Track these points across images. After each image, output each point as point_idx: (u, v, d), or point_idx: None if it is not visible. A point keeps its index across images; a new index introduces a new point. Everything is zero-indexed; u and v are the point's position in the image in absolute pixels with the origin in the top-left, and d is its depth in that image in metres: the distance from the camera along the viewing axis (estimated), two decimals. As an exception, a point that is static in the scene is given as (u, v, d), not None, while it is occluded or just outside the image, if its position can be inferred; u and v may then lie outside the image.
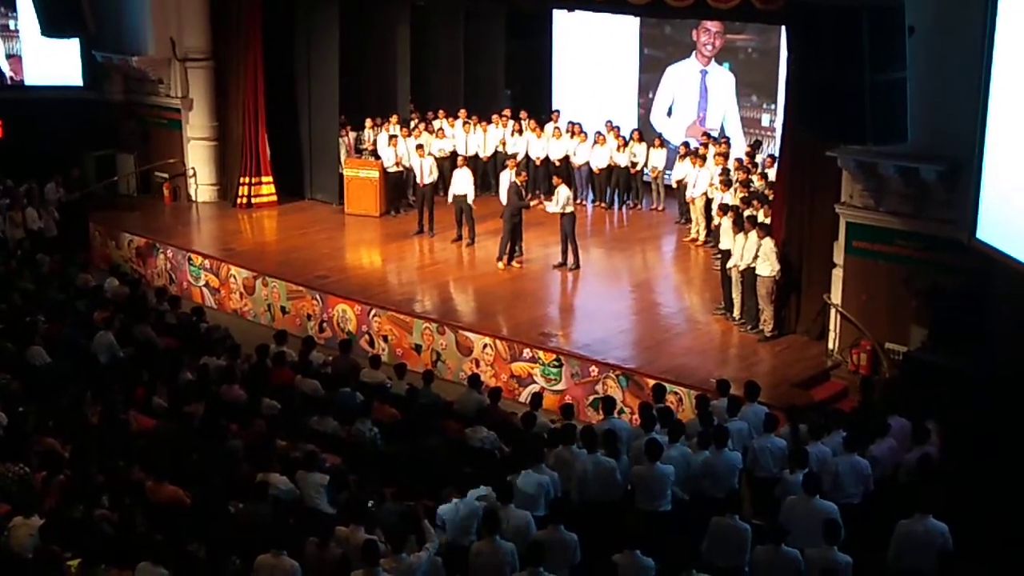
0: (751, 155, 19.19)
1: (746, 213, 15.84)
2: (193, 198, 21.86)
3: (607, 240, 19.85)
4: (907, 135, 11.17)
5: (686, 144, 20.40)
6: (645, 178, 21.12)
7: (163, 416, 12.29)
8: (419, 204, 19.96)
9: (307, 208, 21.60)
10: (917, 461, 10.33)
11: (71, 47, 21.51)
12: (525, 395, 14.57)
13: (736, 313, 15.66)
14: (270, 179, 21.56)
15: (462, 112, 21.87)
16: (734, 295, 15.66)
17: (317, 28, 21.00)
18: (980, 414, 11.24)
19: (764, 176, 17.78)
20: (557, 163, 21.19)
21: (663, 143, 21.26)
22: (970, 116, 11.96)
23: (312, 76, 21.27)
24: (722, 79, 21.78)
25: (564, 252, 17.68)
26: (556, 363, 14.84)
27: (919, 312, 13.65)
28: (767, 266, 14.93)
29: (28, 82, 22.11)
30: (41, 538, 9.46)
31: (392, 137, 20.65)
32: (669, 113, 22.66)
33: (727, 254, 15.75)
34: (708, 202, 18.55)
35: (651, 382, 13.69)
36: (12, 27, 21.87)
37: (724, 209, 16.51)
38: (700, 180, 18.86)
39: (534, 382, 14.93)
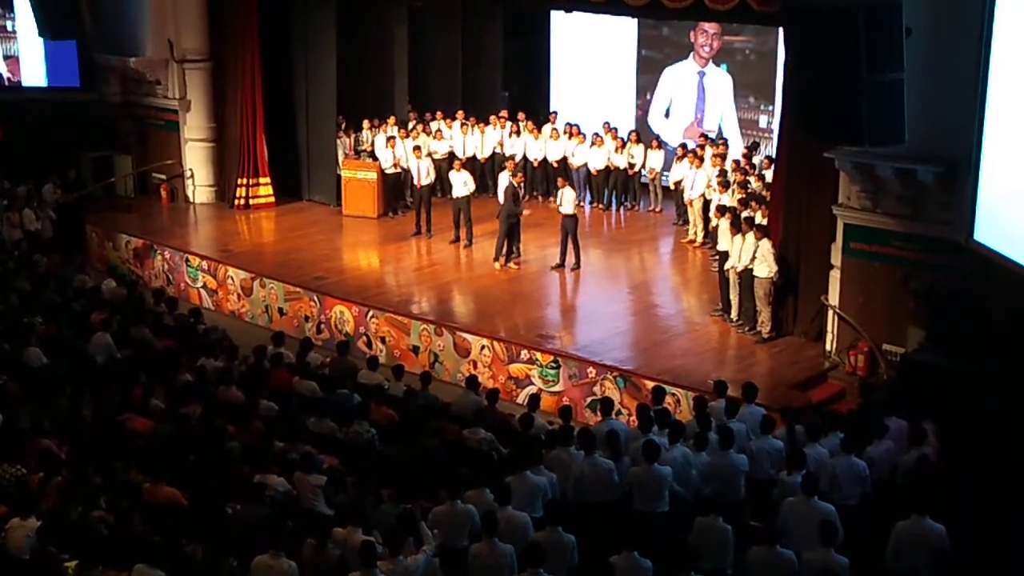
0: (749, 156, 19.21)
1: (744, 214, 15.85)
2: (191, 199, 21.87)
3: (605, 241, 19.85)
4: (904, 136, 11.18)
5: (684, 145, 20.40)
6: (643, 179, 21.13)
7: (160, 417, 12.28)
8: (416, 205, 19.97)
9: (305, 209, 21.61)
10: (915, 462, 10.34)
11: (68, 48, 21.49)
12: (523, 397, 14.57)
13: (734, 314, 15.68)
14: (268, 180, 21.57)
15: (460, 113, 21.87)
16: (732, 296, 15.67)
17: (314, 29, 21.00)
18: (978, 416, 11.24)
19: (762, 177, 17.79)
20: (555, 164, 21.23)
21: (661, 144, 21.28)
22: (968, 117, 11.97)
23: (310, 77, 21.28)
24: (720, 80, 21.79)
25: (563, 253, 17.69)
26: (554, 365, 14.85)
27: (917, 314, 13.66)
28: (764, 267, 14.95)
29: (25, 83, 22.11)
30: (38, 539, 9.46)
31: (390, 138, 20.67)
32: (667, 114, 22.68)
33: (725, 255, 15.76)
34: (706, 203, 18.55)
35: (649, 383, 13.73)
36: (10, 28, 21.89)
37: (722, 210, 16.52)
38: (698, 181, 18.87)
39: (532, 383, 14.93)
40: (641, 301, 17.09)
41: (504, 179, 18.46)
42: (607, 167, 20.99)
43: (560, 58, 24.00)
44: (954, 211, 12.88)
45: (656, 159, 20.96)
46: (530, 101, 23.68)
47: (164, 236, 20.18)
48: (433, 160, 20.30)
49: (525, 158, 21.21)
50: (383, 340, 16.46)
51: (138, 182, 22.38)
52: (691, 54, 22.11)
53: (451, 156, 20.82)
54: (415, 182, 19.96)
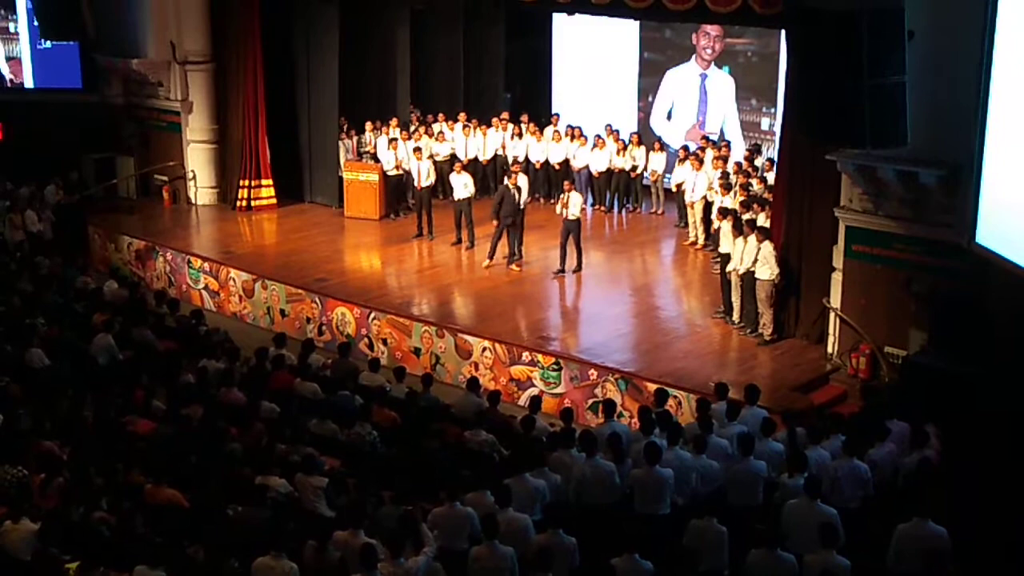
0: (750, 159, 19.22)
1: (745, 217, 15.85)
2: (193, 201, 21.89)
3: (606, 244, 19.85)
4: (907, 139, 11.21)
5: (685, 148, 20.40)
6: (644, 182, 21.14)
7: (162, 419, 12.30)
8: (418, 207, 19.98)
9: (307, 211, 21.61)
10: (916, 465, 10.33)
11: (71, 50, 21.51)
12: (524, 398, 14.58)
13: (735, 317, 15.67)
14: (270, 182, 21.59)
15: (462, 115, 21.89)
16: (733, 299, 15.67)
17: (317, 30, 21.02)
18: (980, 418, 11.24)
19: (763, 180, 17.80)
20: (557, 167, 21.25)
21: (663, 147, 21.27)
22: (970, 120, 11.95)
23: (312, 79, 21.29)
24: (722, 83, 21.80)
25: (563, 259, 17.65)
26: (555, 367, 14.84)
27: (918, 316, 13.66)
28: (766, 270, 14.95)
29: (28, 85, 22.13)
30: (40, 541, 9.47)
31: (392, 140, 20.67)
32: (669, 117, 22.68)
33: (726, 258, 15.76)
34: (707, 206, 18.55)
35: (651, 386, 13.72)
36: (12, 30, 21.91)
37: (723, 213, 16.51)
38: (699, 184, 18.87)
39: (533, 385, 14.93)
40: (643, 303, 17.08)
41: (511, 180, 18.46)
42: (609, 169, 20.99)
43: (562, 60, 24.02)
44: (956, 214, 12.87)
45: (658, 161, 20.97)
46: (532, 103, 23.70)
47: (166, 238, 20.19)
48: (435, 162, 20.30)
49: (527, 160, 21.19)
50: (385, 342, 16.46)
51: (140, 184, 22.40)
52: (693, 56, 22.11)
53: (453, 158, 20.82)
54: (416, 184, 19.96)
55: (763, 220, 15.72)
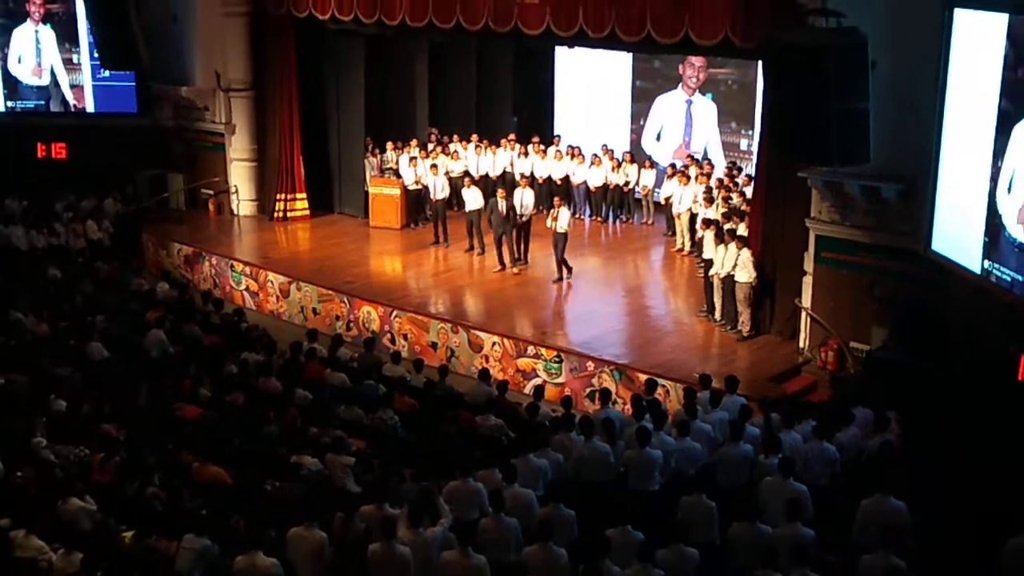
0: (731, 175, 19.18)
1: (726, 227, 15.83)
2: (235, 212, 21.89)
3: (602, 250, 19.84)
4: (870, 158, 11.18)
5: (673, 165, 20.38)
6: (636, 195, 21.11)
7: (208, 405, 12.31)
8: (434, 218, 19.98)
9: (336, 221, 21.61)
10: (879, 447, 10.31)
11: (127, 79, 21.55)
12: (529, 387, 14.57)
13: (717, 315, 15.66)
14: (303, 195, 21.58)
15: (474, 137, 21.88)
16: (716, 299, 15.66)
17: (345, 61, 21.04)
18: (934, 405, 11.22)
19: (742, 194, 17.76)
20: (558, 182, 21.23)
21: (652, 164, 21.25)
22: (926, 141, 11.97)
23: (341, 104, 21.30)
24: (705, 108, 21.77)
25: (560, 269, 17.53)
26: (557, 359, 14.83)
27: (880, 315, 13.65)
28: (745, 273, 14.94)
29: (89, 109, 22.17)
30: (99, 513, 9.49)
31: (412, 159, 20.69)
32: (658, 138, 22.65)
33: (709, 263, 15.75)
34: (692, 217, 18.52)
35: (642, 376, 13.70)
36: (75, 61, 21.93)
37: (707, 223, 16.50)
38: (685, 197, 18.86)
39: (537, 376, 14.93)
40: (635, 303, 17.07)
41: (519, 195, 18.41)
42: (605, 184, 20.97)
43: (563, 88, 23.99)
44: (913, 224, 12.86)
45: (648, 177, 20.97)
46: (537, 126, 23.65)
47: (211, 244, 20.21)
48: (449, 178, 20.30)
49: (533, 175, 21.19)
50: (405, 337, 16.46)
51: (188, 197, 22.40)
52: (680, 84, 22.08)
53: (465, 174, 20.83)
54: (432, 197, 19.96)
55: (742, 230, 15.69)
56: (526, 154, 21.55)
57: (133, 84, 21.81)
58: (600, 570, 7.91)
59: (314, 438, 11.25)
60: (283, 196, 21.43)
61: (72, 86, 22.08)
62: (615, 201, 21.12)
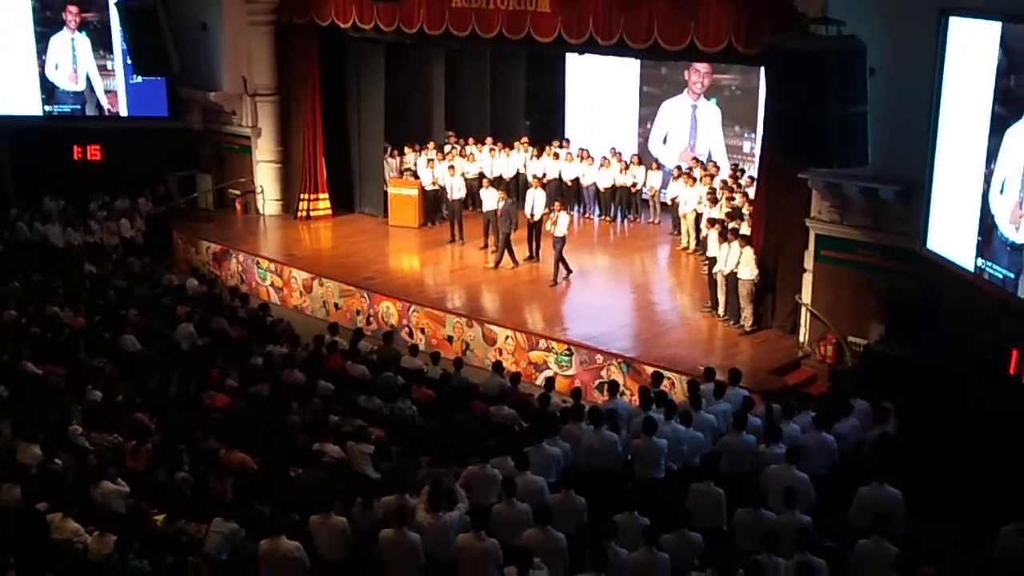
0: (734, 176, 19.15)
1: (730, 226, 15.81)
2: (261, 211, 21.93)
3: (611, 248, 19.81)
4: (868, 160, 11.13)
5: (679, 167, 20.32)
6: (644, 196, 21.06)
7: (234, 395, 12.35)
8: (451, 217, 19.98)
9: (357, 220, 21.63)
10: (877, 438, 10.28)
11: (158, 84, 21.62)
12: (541, 379, 14.56)
13: (721, 311, 15.63)
14: (326, 195, 21.61)
15: (489, 140, 21.87)
16: (719, 295, 15.63)
17: (366, 68, 21.04)
18: (928, 396, 11.18)
19: (745, 194, 17.73)
20: (569, 183, 21.21)
21: (659, 166, 21.23)
22: (922, 143, 11.92)
23: (361, 108, 21.30)
24: (710, 112, 21.72)
25: (556, 272, 17.34)
26: (567, 352, 14.83)
27: (877, 310, 13.60)
28: (747, 271, 14.92)
29: (123, 113, 22.24)
30: (131, 497, 9.54)
31: (429, 160, 20.70)
32: (664, 141, 22.60)
33: (713, 260, 15.71)
34: (697, 216, 18.49)
35: (648, 369, 13.69)
36: (109, 67, 21.99)
37: (711, 222, 16.46)
38: (691, 198, 18.82)
39: (548, 368, 14.92)
40: (642, 299, 17.04)
41: (531, 196, 18.40)
42: (613, 185, 20.94)
43: (574, 93, 23.94)
44: (910, 224, 12.81)
45: (655, 179, 20.93)
46: (548, 129, 23.64)
47: (238, 242, 20.25)
48: (465, 179, 20.30)
49: (544, 176, 21.18)
50: (422, 331, 16.48)
51: (217, 197, 22.45)
52: (685, 90, 22.02)
53: (480, 176, 20.84)
54: (449, 197, 19.97)
55: (745, 229, 15.67)
56: (539, 156, 21.54)
57: (164, 89, 21.87)
58: (606, 553, 7.92)
59: (335, 427, 11.27)
60: (306, 196, 21.46)
61: (106, 91, 22.14)
62: (623, 201, 21.08)
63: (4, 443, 10.84)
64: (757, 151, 18.20)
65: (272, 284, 19.08)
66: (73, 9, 21.61)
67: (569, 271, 17.48)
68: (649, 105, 22.74)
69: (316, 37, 20.57)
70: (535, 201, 18.18)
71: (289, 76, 21.26)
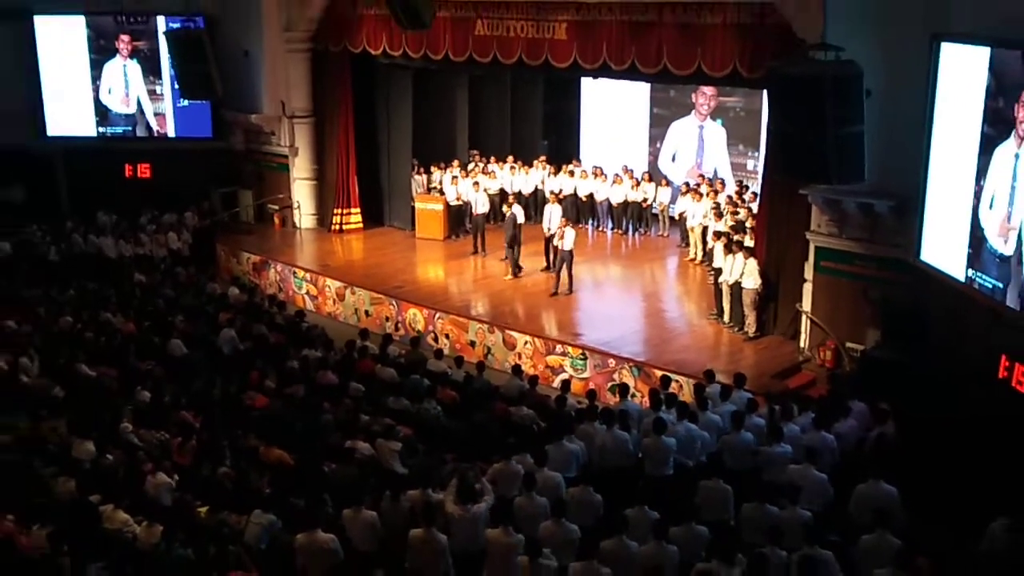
0: (739, 192, 19.08)
1: (735, 238, 15.77)
2: (297, 225, 22.01)
3: (623, 260, 19.77)
4: (864, 177, 11.05)
5: (687, 184, 20.29)
6: (654, 211, 21.02)
7: (272, 395, 12.38)
8: (474, 230, 19.99)
9: (386, 233, 21.67)
10: (876, 438, 10.20)
11: (204, 107, 21.76)
12: (557, 382, 14.53)
13: (726, 318, 15.57)
14: (358, 210, 21.68)
15: (510, 158, 21.90)
16: (724, 304, 15.57)
17: (395, 92, 21.10)
18: (922, 399, 11.10)
19: (749, 209, 17.67)
20: (584, 199, 21.20)
21: (668, 183, 21.19)
22: (915, 161, 11.85)
23: (391, 129, 21.37)
24: (716, 132, 21.66)
25: (558, 282, 17.18)
26: (582, 356, 14.80)
27: (873, 318, 13.52)
28: (751, 280, 14.86)
29: (170, 134, 22.40)
30: (177, 490, 9.57)
31: (453, 178, 20.74)
32: (673, 159, 22.56)
33: (719, 271, 15.66)
34: (704, 230, 18.44)
35: (658, 372, 13.65)
36: (158, 91, 22.15)
37: (717, 235, 16.42)
38: (697, 212, 18.77)
39: (564, 371, 14.89)
40: (652, 307, 17.00)
41: (549, 210, 18.38)
42: (625, 201, 20.90)
43: (588, 114, 23.95)
44: (904, 237, 12.73)
45: (665, 194, 20.89)
46: (565, 149, 23.67)
47: (276, 253, 20.33)
48: (488, 194, 20.32)
49: (561, 192, 21.17)
50: (447, 336, 16.48)
51: (257, 211, 22.56)
52: (693, 111, 21.98)
53: (502, 191, 20.85)
54: (473, 211, 19.99)
55: (749, 241, 15.63)
56: (556, 173, 21.54)
57: (209, 112, 22.01)
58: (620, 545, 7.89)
59: (366, 425, 11.29)
60: (339, 210, 21.53)
61: (155, 114, 22.32)
62: (634, 216, 21.04)
63: (60, 440, 10.92)
64: (760, 168, 18.10)
65: (307, 292, 19.13)
66: (125, 38, 21.81)
67: (569, 289, 17.20)
68: (659, 126, 22.71)
69: (349, 63, 20.66)
70: (552, 215, 18.15)
71: (324, 100, 21.35)
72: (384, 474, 10.14)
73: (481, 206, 19.73)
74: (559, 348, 15.06)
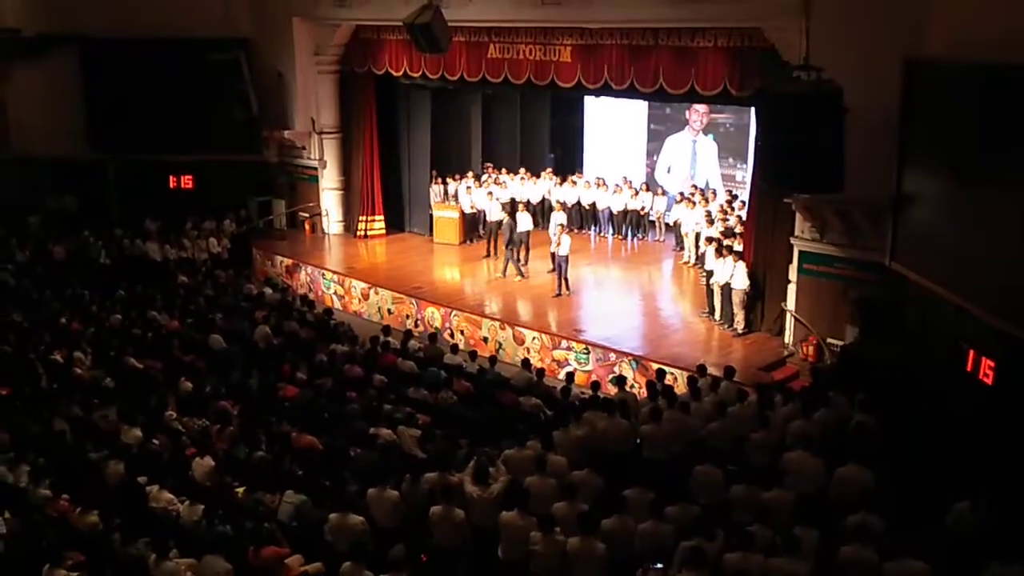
0: (729, 201, 19.03)
1: (725, 243, 15.73)
2: (326, 231, 22.04)
3: (622, 263, 19.72)
4: (843, 187, 11.01)
5: (681, 193, 20.26)
6: (651, 218, 21.00)
7: (303, 386, 12.42)
8: (487, 236, 19.99)
9: (407, 238, 21.69)
10: (855, 426, 10.18)
11: (241, 124, 21.79)
12: (562, 374, 14.49)
13: (717, 316, 15.54)
14: (381, 217, 21.69)
15: (521, 170, 21.91)
16: (715, 302, 15.55)
17: (415, 109, 21.12)
18: (896, 390, 11.06)
19: (739, 216, 17.62)
20: (587, 207, 21.19)
21: (664, 193, 21.13)
22: (889, 173, 11.81)
23: (411, 143, 21.39)
24: (708, 146, 21.63)
25: (559, 284, 17.16)
26: (585, 351, 14.80)
27: (852, 316, 13.48)
28: (740, 281, 14.84)
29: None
30: (216, 472, 9.61)
31: (468, 187, 20.75)
32: (668, 171, 22.52)
33: (710, 273, 15.65)
34: (697, 235, 18.41)
35: (654, 365, 13.63)
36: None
37: (709, 240, 16.40)
38: (691, 219, 18.75)
39: (569, 364, 14.89)
40: (649, 306, 16.98)
41: (554, 219, 18.37)
42: (625, 209, 20.86)
43: (591, 129, 23.93)
44: (879, 241, 12.67)
45: (661, 203, 20.85)
46: (570, 161, 23.64)
47: (307, 257, 20.36)
48: (500, 203, 20.33)
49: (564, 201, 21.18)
50: (462, 332, 16.50)
51: (289, 219, 22.59)
52: (686, 127, 21.95)
53: (513, 200, 20.86)
54: (487, 218, 19.99)
55: (738, 246, 15.59)
56: (561, 184, 21.53)
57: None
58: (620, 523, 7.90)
59: (388, 414, 11.31)
60: (364, 218, 21.56)
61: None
62: (633, 222, 21.01)
63: (110, 426, 10.98)
64: (748, 179, 18.08)
65: (335, 292, 19.17)
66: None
67: (568, 291, 17.11)
68: (655, 140, 22.68)
69: (373, 84, 20.69)
70: (554, 222, 18.12)
71: (350, 117, 21.38)
72: (405, 458, 10.17)
73: (494, 214, 19.73)
74: (564, 343, 15.07)
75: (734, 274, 14.89)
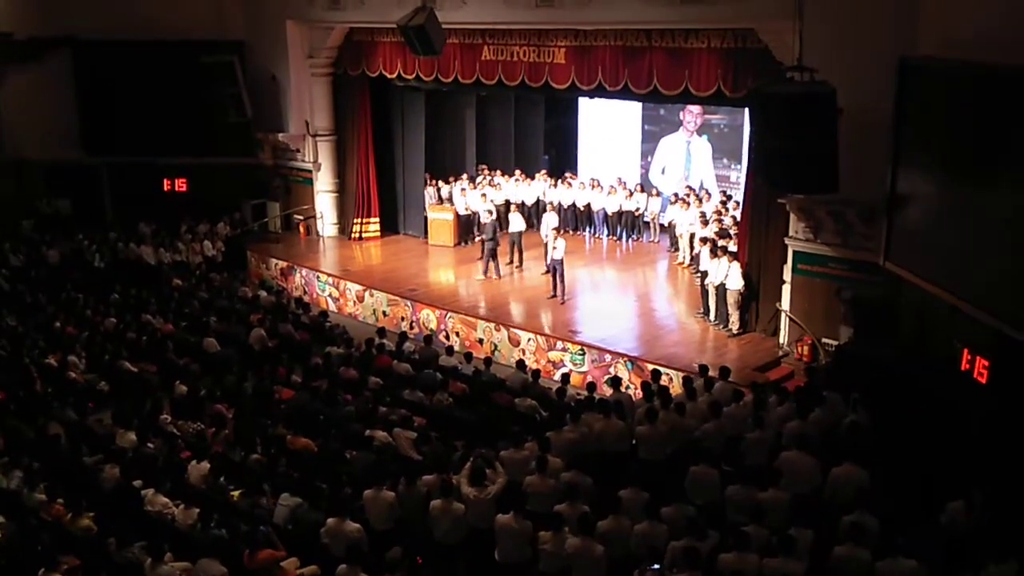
0: (723, 202, 19.07)
1: (720, 244, 15.75)
2: (321, 233, 22.02)
3: (617, 264, 19.74)
4: (837, 187, 11.04)
5: (675, 194, 20.27)
6: (645, 219, 21.00)
7: (298, 389, 12.41)
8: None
9: (401, 240, 21.67)
10: (849, 425, 10.20)
11: (235, 127, 21.78)
12: (558, 375, 14.54)
13: (712, 316, 15.56)
14: (376, 219, 21.68)
15: (516, 171, 21.92)
16: (710, 303, 15.56)
17: (409, 111, 21.11)
18: (891, 389, 11.09)
19: (733, 217, 17.65)
20: (582, 208, 21.20)
21: (658, 193, 21.17)
22: (883, 173, 11.83)
23: (405, 145, 21.37)
24: (702, 147, 21.65)
25: (555, 286, 17.10)
26: (580, 352, 14.80)
27: (846, 316, 13.50)
28: (735, 282, 14.86)
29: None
30: (211, 476, 9.59)
31: (463, 189, 20.75)
32: (663, 172, 22.53)
33: (705, 273, 15.65)
34: (692, 236, 18.42)
35: (649, 366, 13.64)
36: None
37: (703, 241, 16.39)
38: (685, 220, 18.76)
39: (565, 365, 14.89)
40: (644, 306, 16.97)
41: (547, 219, 18.38)
42: (619, 210, 20.87)
43: (585, 131, 23.93)
44: (873, 241, 12.70)
45: (655, 204, 20.87)
46: (564, 162, 23.66)
47: (302, 259, 20.33)
48: (494, 204, 20.32)
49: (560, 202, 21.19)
50: (457, 334, 16.49)
51: (284, 221, 22.57)
52: (680, 128, 21.96)
53: (507, 202, 20.86)
54: (481, 220, 20.00)
55: (732, 246, 15.60)
56: (556, 185, 21.54)
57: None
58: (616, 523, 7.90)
59: (384, 416, 11.31)
60: (359, 220, 21.54)
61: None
62: (628, 223, 21.02)
63: (105, 430, 10.96)
64: (742, 180, 18.12)
65: (330, 295, 19.16)
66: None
67: (563, 293, 16.99)
68: (649, 141, 22.70)
69: (367, 86, 20.67)
70: (547, 224, 18.13)
71: (344, 119, 21.36)
72: (401, 460, 10.16)
73: (487, 216, 19.70)
74: (560, 344, 15.07)
75: (729, 275, 14.91)
